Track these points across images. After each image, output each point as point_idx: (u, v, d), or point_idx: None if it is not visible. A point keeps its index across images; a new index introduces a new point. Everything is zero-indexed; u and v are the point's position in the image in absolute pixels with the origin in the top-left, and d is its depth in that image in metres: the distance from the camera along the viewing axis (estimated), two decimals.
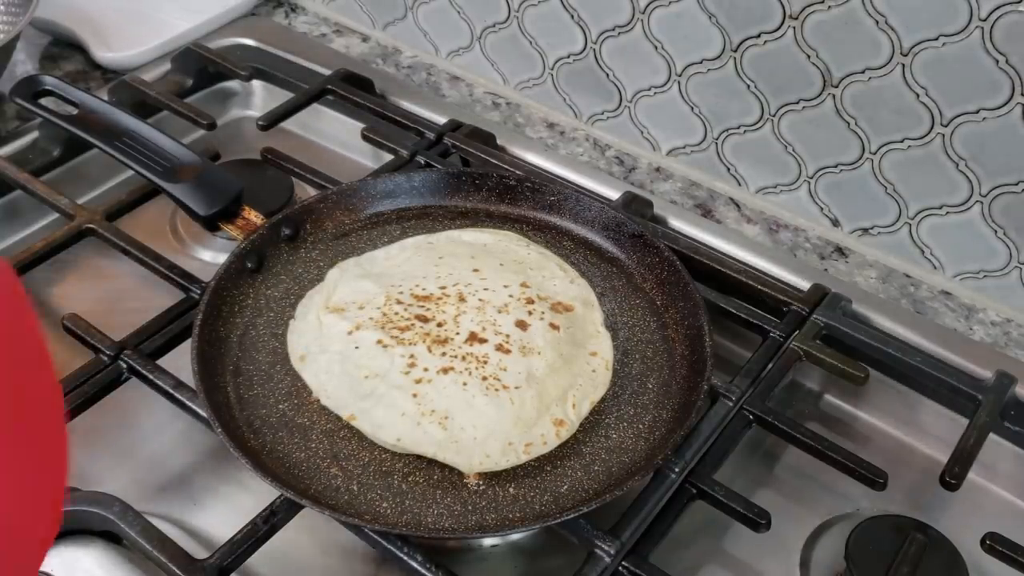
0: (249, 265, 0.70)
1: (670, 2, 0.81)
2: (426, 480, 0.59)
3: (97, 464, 0.65)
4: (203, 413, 0.59)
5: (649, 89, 0.88)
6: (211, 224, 0.73)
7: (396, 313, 0.65)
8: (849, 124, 0.78)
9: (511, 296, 0.67)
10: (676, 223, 0.81)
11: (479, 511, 0.57)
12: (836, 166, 0.80)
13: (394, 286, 0.68)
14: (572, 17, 0.89)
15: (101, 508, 0.56)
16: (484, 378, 0.61)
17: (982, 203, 0.74)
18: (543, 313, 0.66)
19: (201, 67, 0.95)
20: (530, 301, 0.67)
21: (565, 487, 0.59)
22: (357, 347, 0.63)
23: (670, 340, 0.68)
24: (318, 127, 0.95)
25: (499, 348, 0.63)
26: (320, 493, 0.57)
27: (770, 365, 0.68)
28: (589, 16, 0.88)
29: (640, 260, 0.73)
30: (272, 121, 0.86)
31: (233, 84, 0.97)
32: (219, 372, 0.64)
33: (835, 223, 0.84)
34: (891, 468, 0.62)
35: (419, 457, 0.59)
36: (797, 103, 0.79)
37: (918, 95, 0.73)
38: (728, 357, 0.75)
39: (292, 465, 0.59)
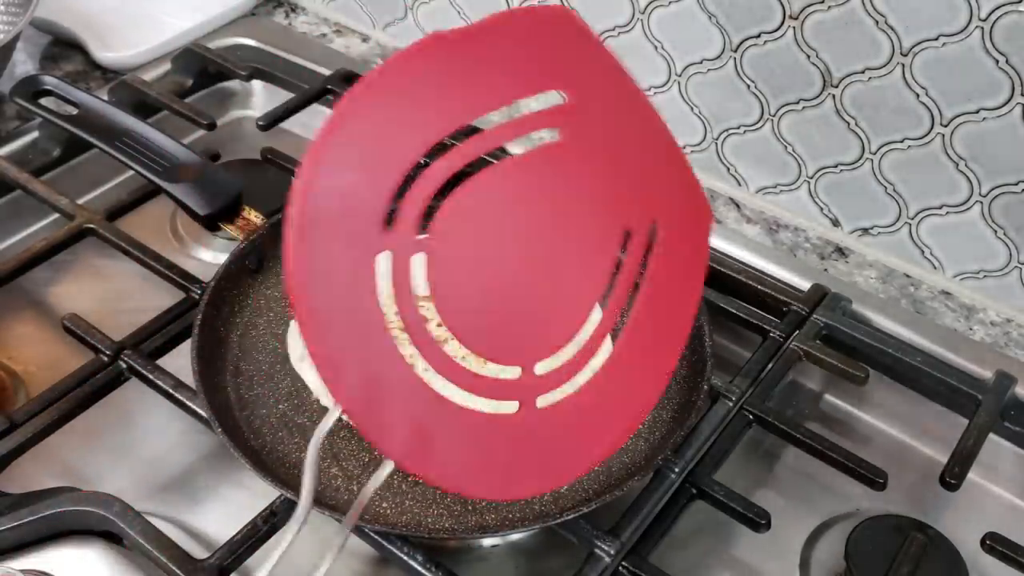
0: (249, 265, 0.70)
1: (670, 2, 0.81)
2: None
3: (97, 464, 0.65)
4: (203, 413, 0.59)
5: (649, 89, 0.88)
6: (211, 224, 0.73)
7: (396, 313, 0.65)
8: (849, 124, 0.78)
9: None
10: None
11: (479, 511, 0.57)
12: (836, 166, 0.80)
13: None
14: None
15: (101, 508, 0.56)
16: None
17: (982, 203, 0.74)
18: None
19: (201, 67, 0.95)
20: None
21: (565, 487, 0.59)
22: None
23: None
24: (318, 127, 0.95)
25: None
26: (320, 493, 0.57)
27: (770, 365, 0.68)
28: (589, 16, 0.86)
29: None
30: (272, 121, 0.86)
31: (233, 84, 0.97)
32: (219, 372, 0.64)
33: (835, 223, 0.83)
34: (891, 468, 0.62)
35: None
36: (797, 103, 0.79)
37: (918, 95, 0.73)
38: (728, 357, 0.75)
39: (292, 465, 0.59)
